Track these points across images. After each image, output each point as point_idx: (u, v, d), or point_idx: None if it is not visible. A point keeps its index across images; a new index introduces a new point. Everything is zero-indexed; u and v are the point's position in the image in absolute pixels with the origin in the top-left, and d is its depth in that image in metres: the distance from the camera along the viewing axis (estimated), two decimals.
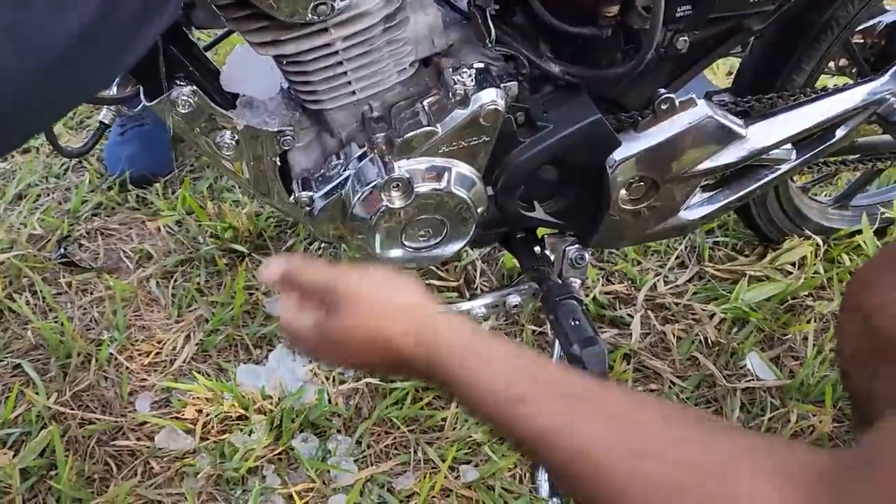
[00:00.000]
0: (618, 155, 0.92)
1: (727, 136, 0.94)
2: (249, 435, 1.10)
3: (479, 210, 0.92)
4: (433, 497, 1.04)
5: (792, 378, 1.20)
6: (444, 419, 1.12)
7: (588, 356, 0.87)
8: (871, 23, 1.14)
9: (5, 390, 1.16)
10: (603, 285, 1.35)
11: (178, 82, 0.83)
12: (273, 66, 0.87)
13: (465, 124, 0.85)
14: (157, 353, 1.23)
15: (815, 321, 1.27)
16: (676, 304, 1.31)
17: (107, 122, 1.14)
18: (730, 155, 0.96)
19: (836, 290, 1.32)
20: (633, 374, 1.21)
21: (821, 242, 1.35)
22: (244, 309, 1.28)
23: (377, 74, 0.86)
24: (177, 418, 1.13)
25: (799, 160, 1.02)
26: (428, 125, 0.86)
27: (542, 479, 1.04)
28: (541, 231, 1.07)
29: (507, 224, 1.00)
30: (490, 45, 0.87)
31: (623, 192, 0.96)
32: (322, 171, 0.92)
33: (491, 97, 0.84)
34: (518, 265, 1.08)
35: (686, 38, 0.88)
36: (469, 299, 1.07)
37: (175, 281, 1.35)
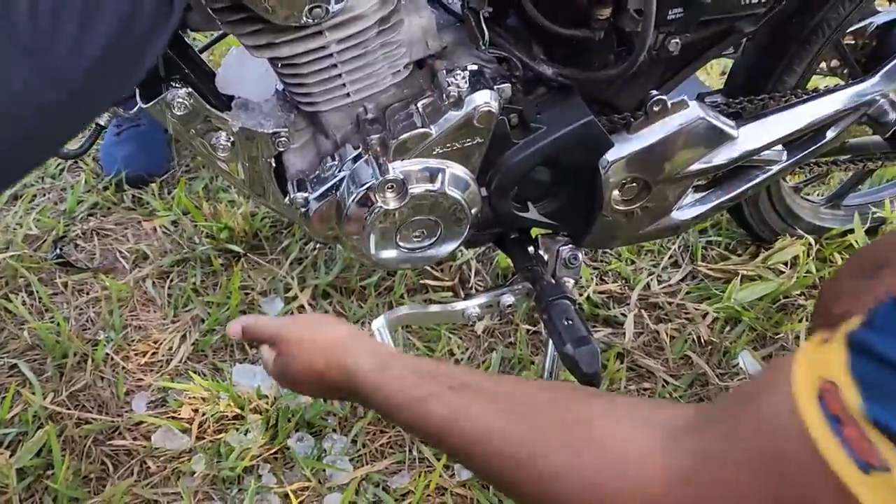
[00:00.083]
0: (610, 156, 0.93)
1: (719, 138, 0.95)
2: (245, 434, 1.11)
3: (473, 211, 0.92)
4: (428, 495, 1.05)
5: None
6: None
7: (581, 355, 0.88)
8: (862, 24, 1.15)
9: (2, 390, 1.17)
10: (597, 285, 1.35)
11: (173, 84, 0.83)
12: (268, 69, 0.87)
13: (458, 126, 0.86)
14: (154, 353, 1.24)
15: (806, 320, 1.28)
16: (670, 304, 1.32)
17: (103, 123, 1.14)
18: (721, 156, 0.96)
19: None
20: (627, 372, 1.22)
21: (813, 242, 1.36)
22: (240, 309, 1.29)
23: (371, 76, 0.86)
24: (173, 418, 1.14)
25: (790, 161, 1.02)
26: (422, 127, 0.86)
27: None
28: (534, 231, 1.07)
29: (501, 224, 1.01)
30: (483, 48, 0.88)
31: (616, 192, 0.96)
32: (317, 172, 0.93)
33: (484, 99, 0.85)
34: (512, 265, 1.09)
35: (678, 40, 0.89)
36: (463, 299, 1.07)
37: (171, 281, 1.35)
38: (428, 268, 1.36)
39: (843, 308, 0.67)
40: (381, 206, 0.87)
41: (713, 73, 1.91)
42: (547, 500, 0.51)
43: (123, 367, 1.21)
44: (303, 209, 0.92)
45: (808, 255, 1.35)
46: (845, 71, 1.19)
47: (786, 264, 1.36)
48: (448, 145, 0.87)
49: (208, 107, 0.85)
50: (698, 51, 0.96)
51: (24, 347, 1.24)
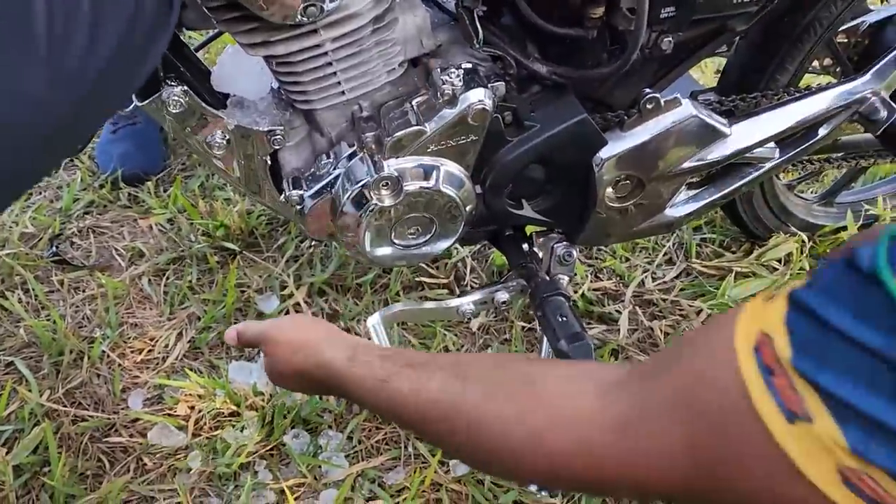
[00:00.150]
0: (604, 154, 0.93)
1: (711, 135, 0.95)
2: (241, 431, 1.12)
3: (467, 208, 0.93)
4: (423, 491, 1.05)
5: None
6: None
7: (575, 352, 0.89)
8: (854, 22, 1.15)
9: None
10: (591, 282, 1.36)
11: (169, 82, 0.84)
12: (263, 67, 0.88)
13: (453, 123, 0.87)
14: (150, 351, 1.24)
15: None
16: (664, 300, 1.33)
17: None
18: (715, 153, 0.97)
19: None
20: None
21: (806, 239, 1.37)
22: (236, 306, 1.29)
23: (366, 75, 0.87)
24: (169, 415, 1.14)
25: (782, 158, 1.03)
26: (417, 124, 0.87)
27: None
28: (529, 229, 1.08)
29: (496, 222, 1.01)
30: (478, 46, 0.88)
31: (609, 190, 0.97)
32: (312, 170, 0.93)
33: (479, 97, 0.86)
34: (507, 262, 1.09)
35: (670, 38, 0.89)
36: (458, 296, 1.08)
37: (167, 279, 1.36)
38: (423, 265, 1.36)
39: None
40: (376, 204, 0.88)
41: (707, 71, 1.91)
42: (498, 462, 0.53)
43: (119, 365, 1.21)
44: (298, 207, 0.93)
45: (802, 252, 1.36)
46: (838, 69, 1.19)
47: (779, 261, 1.37)
48: (443, 143, 0.88)
49: (204, 105, 0.86)
50: (691, 49, 0.97)
51: (21, 345, 1.24)
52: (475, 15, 0.86)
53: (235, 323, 1.26)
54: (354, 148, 0.90)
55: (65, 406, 1.15)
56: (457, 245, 1.37)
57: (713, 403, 0.41)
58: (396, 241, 0.94)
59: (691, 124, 0.94)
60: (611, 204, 0.99)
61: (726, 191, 1.05)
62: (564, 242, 1.05)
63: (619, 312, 1.30)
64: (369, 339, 0.95)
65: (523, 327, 1.28)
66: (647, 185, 0.98)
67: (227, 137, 0.89)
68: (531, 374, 0.55)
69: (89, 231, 1.45)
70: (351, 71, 0.86)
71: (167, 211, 1.47)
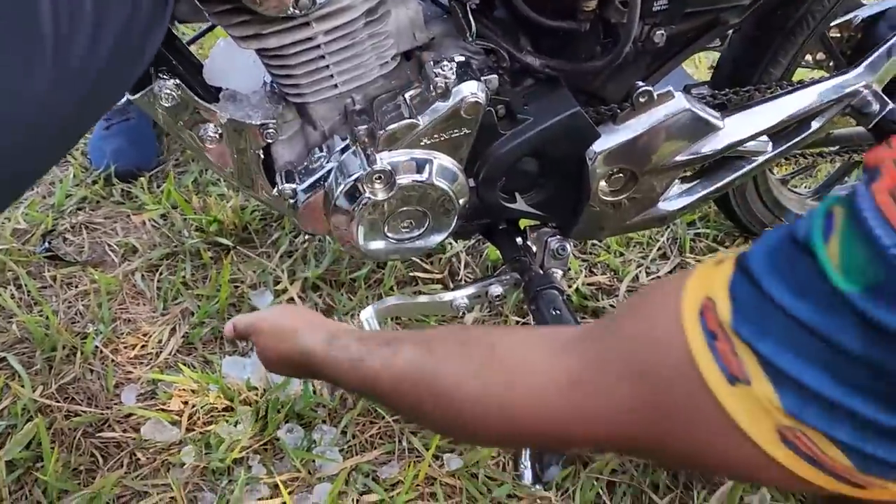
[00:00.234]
0: (597, 147, 0.93)
1: (705, 128, 0.95)
2: (235, 426, 1.11)
3: (460, 202, 0.93)
4: (417, 485, 1.05)
5: None
6: None
7: None
8: (847, 17, 1.16)
9: None
10: (586, 276, 1.36)
11: (161, 75, 0.84)
12: (256, 60, 0.88)
13: (446, 117, 0.86)
14: (143, 346, 1.24)
15: None
16: None
17: None
18: (708, 146, 0.97)
19: None
20: None
21: None
22: (229, 302, 1.29)
23: (359, 68, 0.87)
24: (162, 410, 1.14)
25: (775, 151, 1.03)
26: (410, 118, 0.87)
27: (526, 466, 1.06)
28: (523, 222, 1.08)
29: (489, 215, 1.01)
30: (470, 39, 0.88)
31: (603, 183, 0.97)
32: (305, 163, 0.93)
33: (471, 90, 0.86)
34: (501, 257, 1.09)
35: (663, 31, 0.90)
36: (452, 290, 1.08)
37: (160, 274, 1.35)
38: (417, 260, 1.36)
39: None
40: (369, 197, 0.88)
41: (701, 66, 1.92)
42: (463, 426, 0.55)
43: (113, 360, 1.21)
44: (291, 200, 0.93)
45: None
46: (831, 64, 1.20)
47: None
48: (436, 136, 0.88)
49: (196, 98, 0.86)
50: (684, 42, 0.97)
51: (13, 340, 1.23)
52: (468, 8, 0.86)
53: (228, 318, 1.26)
54: (347, 141, 0.90)
55: (58, 401, 1.15)
56: (451, 240, 1.38)
57: (659, 364, 0.42)
58: (390, 235, 0.94)
59: (684, 117, 0.94)
60: (604, 197, 0.99)
61: (719, 184, 1.05)
62: (558, 236, 1.05)
63: (614, 307, 1.30)
64: None
65: (518, 322, 1.28)
66: (641, 179, 0.98)
67: (220, 131, 0.88)
68: (491, 340, 0.56)
69: (82, 227, 1.44)
70: (344, 64, 0.85)
71: (160, 206, 1.46)
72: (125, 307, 1.30)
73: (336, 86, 0.87)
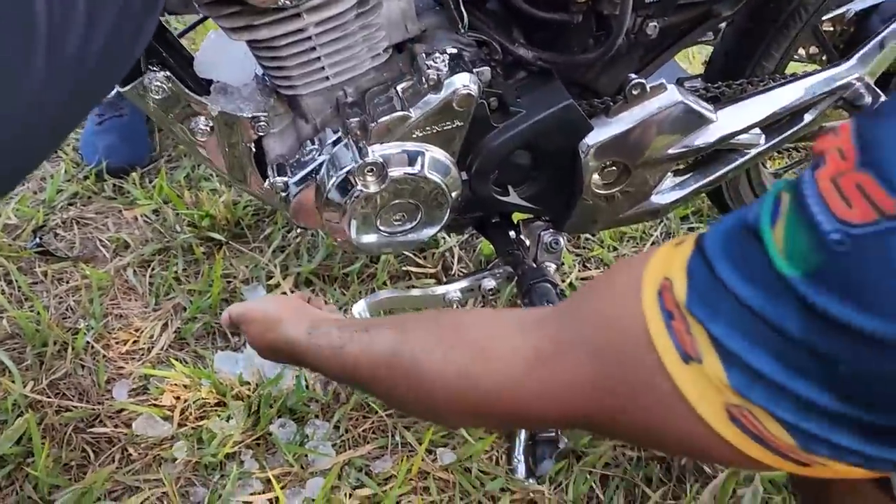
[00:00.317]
0: (590, 140, 0.93)
1: (697, 121, 0.95)
2: (227, 421, 1.11)
3: (453, 195, 0.92)
4: (410, 479, 1.05)
5: None
6: None
7: None
8: (839, 10, 1.15)
9: None
10: (579, 271, 1.36)
11: (151, 68, 0.83)
12: (247, 52, 0.87)
13: (438, 109, 0.86)
14: (135, 342, 1.23)
15: None
16: None
17: None
18: (701, 139, 0.97)
19: None
20: None
21: None
22: (222, 297, 1.28)
23: (351, 60, 0.86)
24: (154, 405, 1.13)
25: (768, 144, 1.03)
26: (402, 110, 0.86)
27: (519, 460, 1.06)
28: (516, 216, 1.08)
29: (482, 209, 1.01)
30: (463, 31, 0.88)
31: (596, 176, 0.97)
32: (297, 156, 0.93)
33: (464, 82, 0.85)
34: (494, 250, 1.09)
35: (656, 23, 0.89)
36: (445, 284, 1.07)
37: (152, 269, 1.35)
38: (411, 255, 1.36)
39: None
40: (361, 190, 0.87)
41: (695, 62, 1.92)
42: (435, 407, 0.56)
43: (104, 356, 1.20)
44: (283, 194, 0.92)
45: None
46: (824, 58, 1.19)
47: None
48: (428, 129, 0.88)
49: (187, 91, 0.85)
50: (677, 35, 0.97)
51: (4, 336, 1.23)
52: (460, 0, 0.86)
53: (221, 313, 1.26)
54: (339, 134, 0.90)
55: (48, 397, 1.14)
56: (444, 234, 1.37)
57: (619, 343, 0.44)
58: (382, 228, 0.93)
59: (677, 110, 0.93)
60: (597, 190, 0.98)
61: (712, 177, 1.05)
62: (551, 230, 1.05)
63: None
64: None
65: None
66: (634, 172, 0.98)
67: (211, 124, 0.88)
68: (462, 321, 0.58)
69: (73, 222, 1.44)
70: (335, 56, 0.85)
71: (152, 202, 1.45)
72: (117, 302, 1.29)
73: (328, 78, 0.86)
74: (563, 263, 1.34)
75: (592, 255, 1.39)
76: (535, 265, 1.04)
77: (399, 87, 0.88)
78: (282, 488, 1.03)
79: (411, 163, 0.88)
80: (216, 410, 1.13)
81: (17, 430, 1.07)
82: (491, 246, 1.13)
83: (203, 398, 1.13)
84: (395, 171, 0.88)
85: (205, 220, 1.39)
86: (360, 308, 0.96)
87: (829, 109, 1.04)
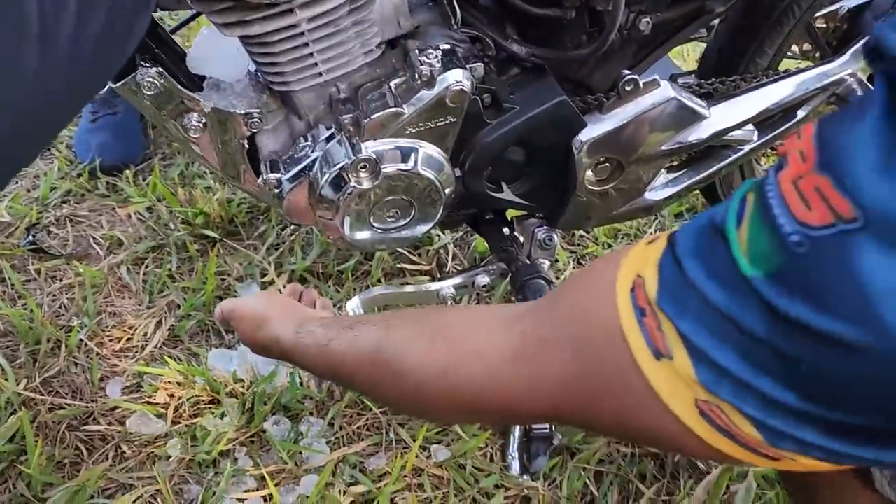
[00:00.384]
0: (583, 136, 0.93)
1: (691, 117, 0.95)
2: (221, 418, 1.11)
3: (446, 191, 0.92)
4: (405, 476, 1.05)
5: None
6: None
7: None
8: (833, 7, 1.16)
9: None
10: (574, 268, 1.36)
11: (143, 64, 0.83)
12: (240, 48, 0.87)
13: (431, 105, 0.86)
14: (129, 339, 1.23)
15: None
16: None
17: None
18: (694, 135, 0.97)
19: None
20: None
21: None
22: (216, 294, 1.28)
23: (344, 56, 0.86)
24: (148, 403, 1.13)
25: (761, 140, 1.03)
26: (395, 106, 0.86)
27: (513, 457, 1.06)
28: (510, 213, 1.08)
29: (476, 205, 1.01)
30: (456, 27, 0.88)
31: (589, 172, 0.97)
32: (290, 153, 0.93)
33: (457, 78, 0.85)
34: (488, 247, 1.09)
35: (649, 19, 0.89)
36: (439, 280, 1.07)
37: (146, 267, 1.34)
38: (405, 252, 1.36)
39: None
40: (354, 186, 0.87)
41: (689, 59, 1.92)
42: (420, 403, 0.57)
43: (98, 353, 1.20)
44: (276, 190, 0.92)
45: None
46: (817, 54, 1.20)
47: None
48: (421, 125, 0.87)
49: (179, 87, 0.85)
50: (670, 31, 0.97)
51: None
52: None
53: (215, 311, 1.26)
54: (332, 130, 0.89)
55: (42, 395, 1.14)
56: (438, 231, 1.37)
57: (594, 339, 0.44)
58: (375, 225, 0.93)
59: (670, 106, 0.93)
60: (591, 187, 0.98)
61: (706, 173, 1.05)
62: (545, 227, 1.05)
63: None
64: None
65: None
66: (627, 168, 0.97)
67: (204, 120, 0.87)
68: (446, 318, 0.58)
69: (66, 220, 1.43)
70: (328, 52, 0.85)
71: (146, 199, 1.45)
72: (110, 300, 1.29)
73: (320, 74, 0.86)
74: (557, 260, 1.35)
75: (587, 253, 1.39)
76: (528, 262, 1.04)
77: (392, 84, 0.87)
78: (276, 485, 1.03)
79: (404, 159, 0.88)
80: (210, 408, 1.13)
81: (10, 427, 1.06)
82: (485, 243, 1.13)
83: (197, 396, 1.13)
84: (389, 168, 0.88)
85: (199, 218, 1.39)
86: (353, 305, 0.96)
87: (821, 106, 1.04)
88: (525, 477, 1.04)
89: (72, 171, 1.53)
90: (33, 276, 1.32)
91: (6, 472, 1.04)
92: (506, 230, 1.05)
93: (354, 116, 0.87)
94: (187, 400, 1.13)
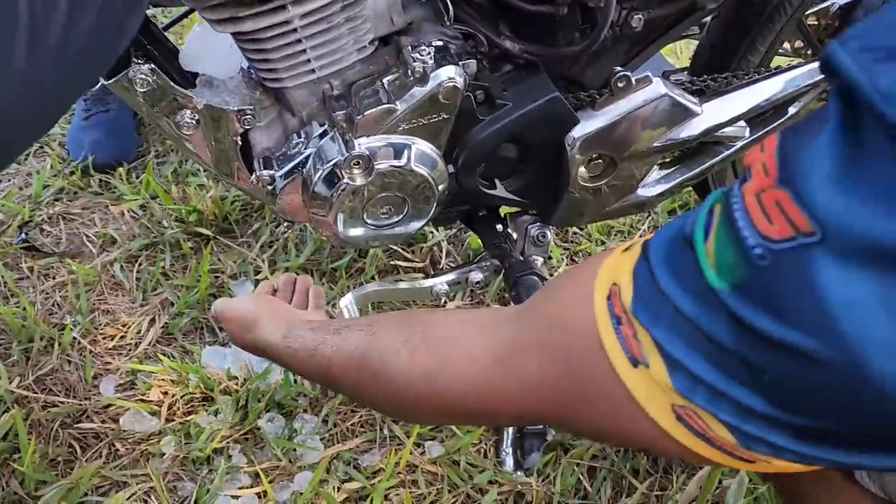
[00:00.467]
0: (576, 133, 0.93)
1: (683, 114, 0.95)
2: (215, 415, 1.11)
3: (440, 188, 0.92)
4: (399, 472, 1.05)
5: None
6: None
7: None
8: (824, 4, 1.16)
9: None
10: (567, 265, 1.36)
11: (136, 60, 0.83)
12: (232, 45, 0.87)
13: (424, 101, 0.86)
14: (122, 337, 1.23)
15: None
16: None
17: None
18: (686, 132, 0.97)
19: None
20: None
21: None
22: (209, 292, 1.28)
23: (337, 52, 0.86)
24: (142, 400, 1.13)
25: (753, 137, 1.04)
26: (388, 103, 0.86)
27: (507, 453, 1.06)
28: (503, 210, 1.08)
29: (469, 202, 1.01)
30: (449, 24, 0.88)
31: (582, 169, 0.97)
32: (283, 149, 0.93)
33: (449, 74, 0.85)
34: (481, 244, 1.09)
35: (641, 16, 0.90)
36: (432, 277, 1.07)
37: (140, 265, 1.34)
38: (399, 249, 1.36)
39: None
40: (347, 183, 0.87)
41: (682, 57, 1.92)
42: (404, 406, 0.58)
43: (91, 351, 1.20)
44: (269, 187, 0.92)
45: None
46: (809, 52, 1.20)
47: None
48: (414, 121, 0.87)
49: (172, 84, 0.85)
50: (662, 28, 0.97)
51: None
52: None
53: (208, 309, 1.26)
54: (325, 127, 0.89)
55: (35, 392, 1.13)
56: (432, 229, 1.37)
57: (572, 346, 0.45)
58: (369, 222, 0.93)
59: (662, 103, 0.93)
60: (584, 183, 0.99)
61: (698, 170, 1.05)
62: (538, 223, 1.05)
63: None
64: None
65: None
66: (620, 164, 0.98)
67: (197, 117, 0.87)
68: (430, 322, 0.59)
69: (59, 218, 1.43)
70: (321, 48, 0.85)
71: (139, 197, 1.45)
72: (103, 298, 1.29)
73: (313, 70, 0.86)
74: (551, 257, 1.35)
75: (580, 250, 1.40)
76: (522, 258, 1.04)
77: (385, 80, 0.87)
78: (270, 482, 1.03)
79: (398, 156, 0.88)
80: (204, 405, 1.13)
81: (3, 425, 1.06)
82: (479, 240, 1.13)
83: (191, 393, 1.13)
84: (382, 164, 0.88)
85: (192, 216, 1.38)
86: (347, 301, 0.96)
87: (812, 102, 1.04)
88: (519, 473, 1.04)
89: (65, 168, 1.52)
90: (26, 274, 1.32)
91: None
92: (499, 227, 1.05)
93: (347, 113, 0.87)
94: (181, 397, 1.13)
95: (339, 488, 1.03)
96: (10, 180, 1.51)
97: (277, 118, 0.92)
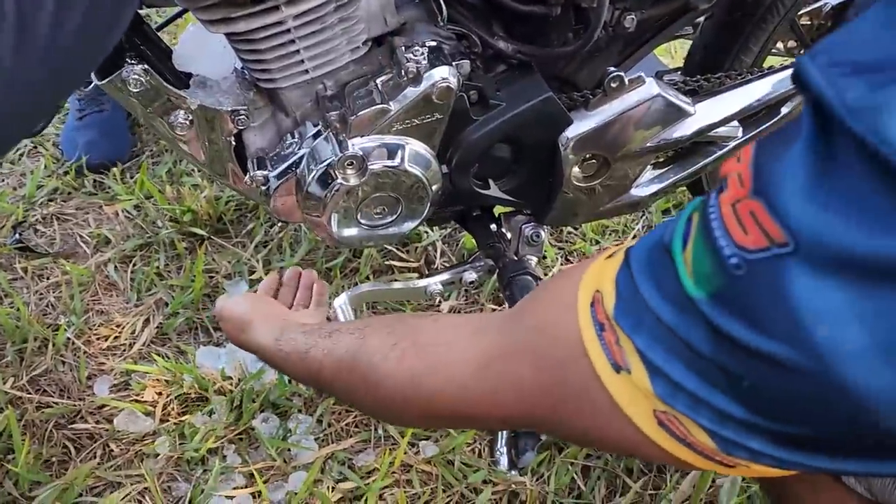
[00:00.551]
0: (570, 133, 0.93)
1: (676, 114, 0.96)
2: (210, 416, 1.11)
3: (433, 188, 0.92)
4: (393, 472, 1.05)
5: None
6: None
7: None
8: (817, 4, 1.16)
9: None
10: (562, 265, 1.37)
11: (129, 61, 0.83)
12: (226, 45, 0.87)
13: (417, 102, 0.86)
14: (116, 338, 1.23)
15: None
16: None
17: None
18: (679, 132, 0.97)
19: None
20: None
21: None
22: (204, 292, 1.28)
23: (330, 53, 0.86)
24: (136, 401, 1.13)
25: (745, 137, 1.04)
26: (381, 103, 0.86)
27: (501, 452, 1.06)
28: (498, 209, 1.08)
29: (463, 202, 1.01)
30: (442, 24, 0.88)
31: (576, 169, 0.97)
32: (277, 150, 0.93)
33: (443, 74, 0.85)
34: (475, 243, 1.09)
35: (634, 16, 0.90)
36: (427, 277, 1.07)
37: (134, 265, 1.34)
38: (393, 249, 1.36)
39: None
40: (341, 183, 0.87)
41: (677, 57, 1.93)
42: (393, 409, 0.59)
43: (85, 352, 1.20)
44: (263, 187, 0.92)
45: None
46: (802, 52, 1.20)
47: None
48: (408, 122, 0.88)
49: (166, 84, 0.85)
50: (655, 28, 0.97)
51: None
52: None
53: (203, 309, 1.26)
54: (319, 127, 0.89)
55: (29, 393, 1.13)
56: (427, 229, 1.37)
57: (557, 352, 0.46)
58: (363, 222, 0.93)
59: (655, 103, 0.94)
60: (577, 183, 0.99)
61: (691, 169, 1.05)
62: (532, 223, 1.05)
63: None
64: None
65: (494, 310, 1.28)
66: (613, 164, 0.98)
67: (190, 118, 0.87)
68: (420, 327, 0.59)
69: (53, 218, 1.43)
70: (314, 49, 0.85)
71: (133, 197, 1.45)
72: (98, 298, 1.29)
73: (307, 71, 0.86)
74: (545, 257, 1.35)
75: (575, 249, 1.40)
76: (516, 258, 1.04)
77: (378, 81, 0.88)
78: (264, 482, 1.03)
79: (391, 156, 0.88)
80: (198, 405, 1.13)
81: None
82: (473, 240, 1.13)
83: (185, 393, 1.13)
84: (375, 165, 0.88)
85: (187, 216, 1.38)
86: (341, 301, 0.96)
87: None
88: (513, 472, 1.04)
89: (58, 168, 1.52)
90: (20, 275, 1.32)
91: None
92: (493, 227, 1.05)
93: (341, 113, 0.87)
94: (175, 398, 1.13)
95: (333, 488, 1.03)
96: (3, 180, 1.50)
97: (271, 119, 0.92)
